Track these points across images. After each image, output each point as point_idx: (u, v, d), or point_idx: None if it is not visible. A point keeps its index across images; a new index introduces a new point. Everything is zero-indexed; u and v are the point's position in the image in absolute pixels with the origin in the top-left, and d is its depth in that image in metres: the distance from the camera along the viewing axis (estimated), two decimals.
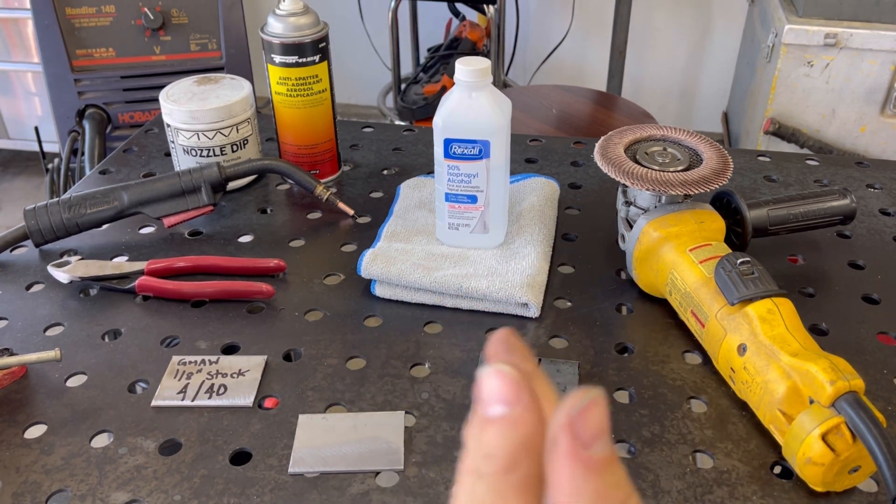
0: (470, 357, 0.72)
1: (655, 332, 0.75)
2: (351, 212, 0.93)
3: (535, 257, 0.80)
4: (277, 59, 0.92)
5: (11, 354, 0.68)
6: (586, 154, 1.07)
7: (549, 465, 0.23)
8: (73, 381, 0.70)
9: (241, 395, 0.68)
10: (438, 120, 0.77)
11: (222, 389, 0.68)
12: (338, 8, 2.65)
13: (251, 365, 0.71)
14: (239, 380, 0.69)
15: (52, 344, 0.74)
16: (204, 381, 0.69)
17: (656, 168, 0.76)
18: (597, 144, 0.80)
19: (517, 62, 2.79)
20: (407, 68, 2.74)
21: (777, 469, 0.61)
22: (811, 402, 0.58)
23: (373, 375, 0.70)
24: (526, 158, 1.06)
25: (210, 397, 0.67)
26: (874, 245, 0.87)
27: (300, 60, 0.92)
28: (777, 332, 0.62)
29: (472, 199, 0.80)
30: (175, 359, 0.71)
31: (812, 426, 0.56)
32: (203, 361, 0.71)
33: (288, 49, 0.91)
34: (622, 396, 0.68)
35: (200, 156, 0.95)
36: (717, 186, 0.74)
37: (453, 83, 0.77)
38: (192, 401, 0.67)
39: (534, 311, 0.76)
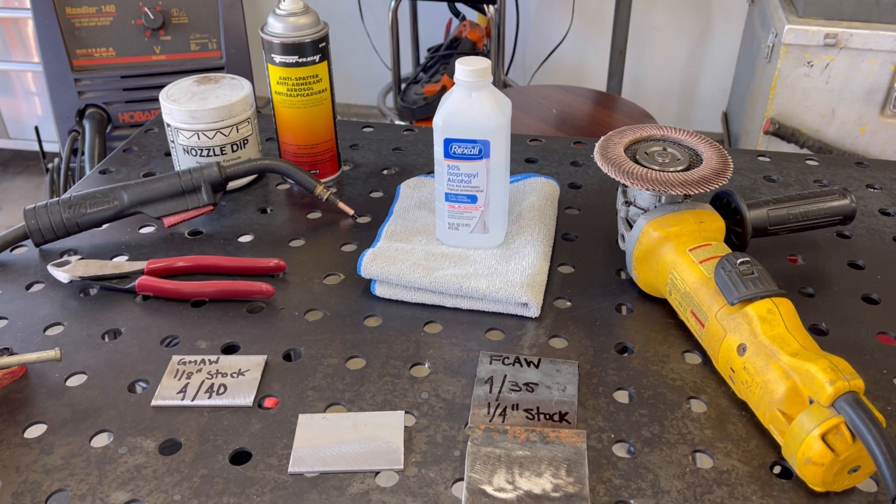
0: (470, 357, 0.72)
1: (655, 332, 0.75)
2: (351, 212, 0.93)
3: (535, 257, 0.80)
4: (277, 58, 0.92)
5: (11, 354, 0.68)
6: (586, 154, 1.07)
7: None
8: (73, 381, 0.70)
9: (241, 395, 0.68)
10: (438, 120, 0.77)
11: (222, 389, 0.68)
12: (338, 8, 2.65)
13: (251, 365, 0.71)
14: (239, 379, 0.69)
15: (52, 343, 0.74)
16: (204, 381, 0.69)
17: (656, 168, 0.76)
18: (597, 144, 0.80)
19: (517, 62, 2.79)
20: (407, 68, 2.74)
21: (777, 469, 0.61)
22: (811, 402, 0.58)
23: (373, 375, 0.70)
24: (526, 158, 1.06)
25: (210, 397, 0.67)
26: (874, 245, 0.87)
27: (300, 60, 0.92)
28: (777, 332, 0.62)
29: (472, 198, 0.80)
30: (175, 358, 0.71)
31: (812, 426, 0.56)
32: (203, 361, 0.71)
33: (288, 49, 0.91)
34: (622, 396, 0.68)
35: (200, 155, 0.95)
36: (717, 186, 0.74)
37: (453, 83, 0.77)
38: (192, 400, 0.67)
39: (534, 311, 0.76)
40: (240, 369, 0.70)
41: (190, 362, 0.71)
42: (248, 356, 0.72)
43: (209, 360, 0.71)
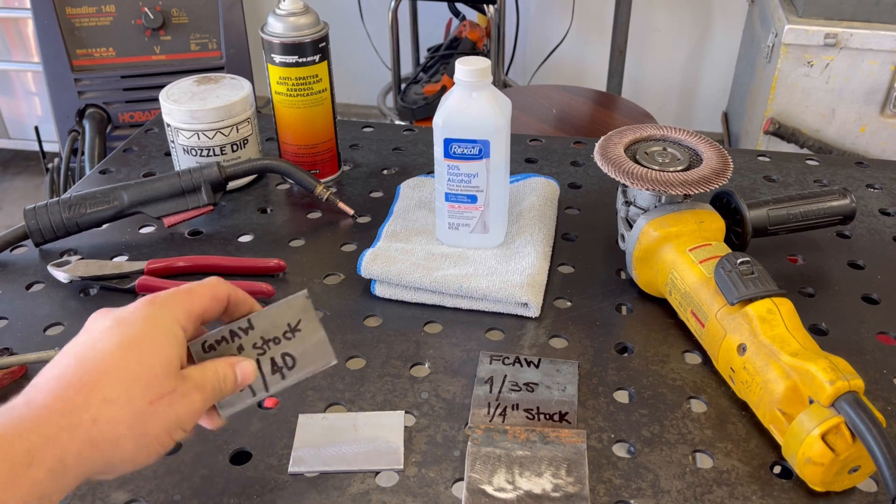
0: (470, 357, 0.72)
1: (655, 332, 0.75)
2: (351, 212, 0.93)
3: (535, 257, 0.80)
4: (277, 58, 0.92)
5: (11, 354, 0.68)
6: (586, 154, 1.07)
7: None
8: None
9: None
10: (438, 120, 0.77)
11: None
12: (338, 8, 2.65)
13: None
14: None
15: (52, 343, 0.74)
16: None
17: (656, 168, 0.76)
18: (597, 144, 0.80)
19: (517, 62, 2.79)
20: (407, 68, 2.74)
21: (777, 469, 0.61)
22: (811, 401, 0.58)
23: (373, 375, 0.70)
24: (526, 158, 1.06)
25: None
26: (874, 245, 0.87)
27: (300, 60, 0.92)
28: (777, 332, 0.62)
29: (472, 198, 0.80)
30: None
31: (812, 426, 0.56)
32: None
33: (288, 49, 0.91)
34: (622, 396, 0.68)
35: (200, 155, 0.95)
36: (717, 186, 0.74)
37: (453, 83, 0.77)
38: None
39: (534, 311, 0.76)
40: None
41: None
42: None
43: None
